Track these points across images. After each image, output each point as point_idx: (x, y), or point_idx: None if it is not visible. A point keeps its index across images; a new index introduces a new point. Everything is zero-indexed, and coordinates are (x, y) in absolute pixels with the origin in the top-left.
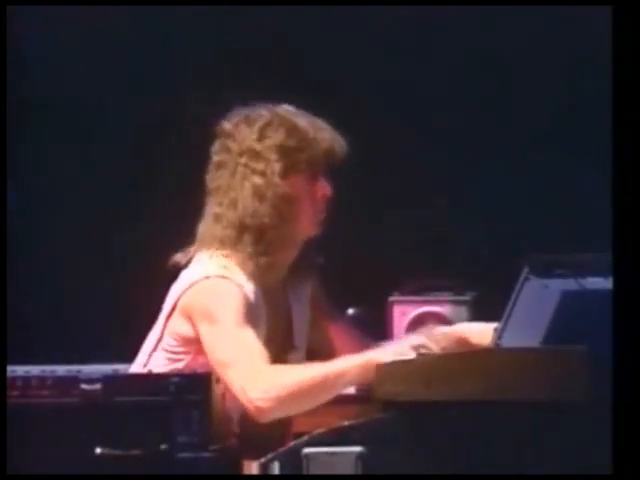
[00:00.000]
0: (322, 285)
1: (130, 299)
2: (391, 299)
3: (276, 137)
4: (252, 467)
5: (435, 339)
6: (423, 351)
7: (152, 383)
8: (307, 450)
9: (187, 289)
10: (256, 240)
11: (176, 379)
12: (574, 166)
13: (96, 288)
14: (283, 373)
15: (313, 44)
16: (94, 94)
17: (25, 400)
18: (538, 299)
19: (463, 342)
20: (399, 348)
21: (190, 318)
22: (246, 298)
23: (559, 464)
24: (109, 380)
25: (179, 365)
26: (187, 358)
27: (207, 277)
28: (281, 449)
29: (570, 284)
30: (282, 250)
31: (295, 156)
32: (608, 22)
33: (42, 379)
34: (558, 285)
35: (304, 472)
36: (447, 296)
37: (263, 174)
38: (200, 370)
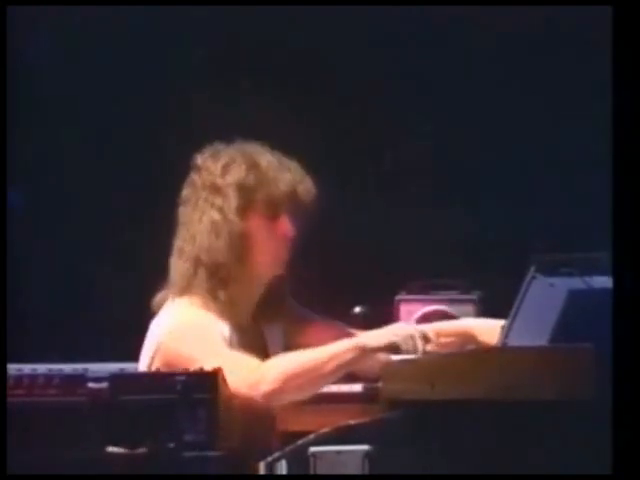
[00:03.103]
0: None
1: (135, 298)
2: (398, 298)
3: (236, 174)
4: (259, 466)
5: (428, 334)
6: (410, 343)
7: (159, 382)
8: (314, 449)
9: (161, 343)
10: (210, 276)
11: (183, 378)
12: (576, 166)
13: (100, 288)
14: (277, 359)
15: (313, 44)
16: (94, 94)
17: (32, 399)
18: (545, 298)
19: (470, 337)
20: (393, 331)
21: (170, 367)
22: (218, 332)
23: (559, 464)
24: (116, 379)
25: None
26: None
27: (177, 326)
28: (288, 448)
29: (577, 283)
30: (240, 287)
31: (252, 195)
32: (608, 22)
33: (49, 378)
34: (565, 284)
35: (311, 471)
36: (453, 295)
37: (221, 210)
38: None
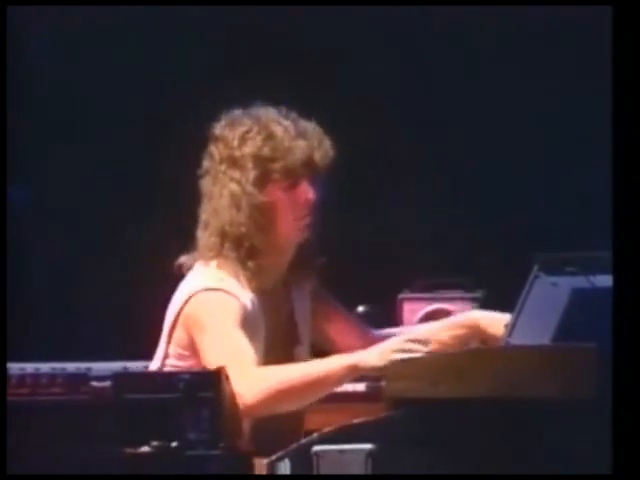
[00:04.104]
0: (322, 283)
1: (140, 296)
2: (401, 296)
3: (252, 145)
4: (262, 465)
5: (425, 338)
6: (404, 355)
7: (162, 380)
8: (317, 448)
9: (186, 302)
10: (236, 247)
11: (186, 376)
12: (576, 165)
13: (105, 286)
14: (269, 371)
15: (313, 43)
16: (94, 94)
17: (35, 398)
18: (548, 297)
19: (477, 329)
20: (382, 352)
21: (188, 331)
22: (241, 307)
23: (559, 464)
24: (119, 377)
25: None
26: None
27: (204, 289)
28: (291, 447)
29: (580, 282)
30: (267, 256)
31: (269, 165)
32: (608, 22)
33: (52, 376)
34: (568, 283)
35: (314, 470)
36: (457, 293)
37: (239, 183)
38: None
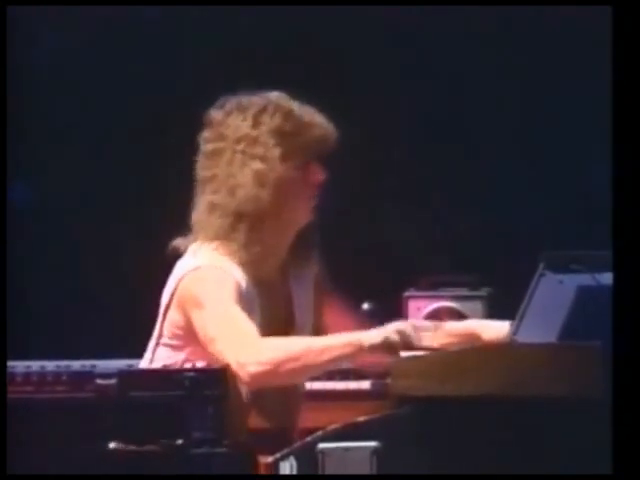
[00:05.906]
0: (324, 268)
1: (144, 294)
2: (406, 294)
3: (272, 122)
4: (267, 462)
5: (425, 332)
6: (407, 333)
7: (167, 378)
8: (322, 445)
9: (180, 281)
10: (252, 228)
11: (191, 374)
12: (579, 165)
13: (107, 285)
14: (272, 341)
15: (313, 41)
16: (94, 94)
17: (40, 395)
18: (554, 295)
19: (475, 338)
20: (386, 330)
21: (183, 309)
22: (236, 284)
23: (559, 464)
24: (124, 375)
25: (179, 358)
26: (186, 350)
27: (198, 267)
28: (296, 444)
29: (586, 280)
30: (277, 237)
31: (292, 140)
32: (608, 22)
33: (57, 374)
34: (574, 281)
35: (319, 467)
36: (462, 291)
37: (263, 159)
38: (199, 362)
